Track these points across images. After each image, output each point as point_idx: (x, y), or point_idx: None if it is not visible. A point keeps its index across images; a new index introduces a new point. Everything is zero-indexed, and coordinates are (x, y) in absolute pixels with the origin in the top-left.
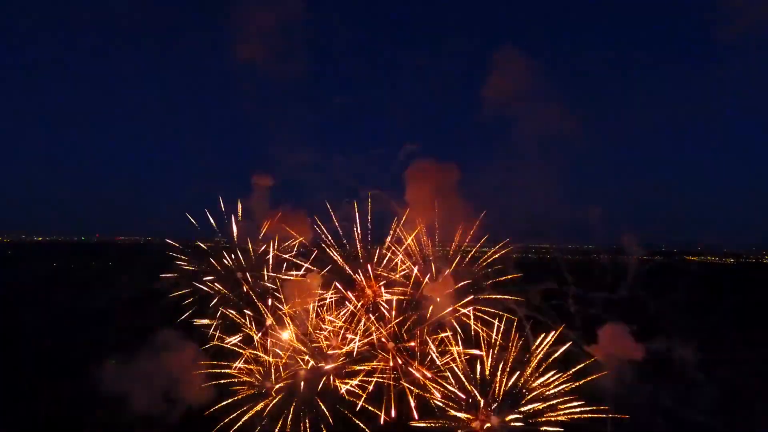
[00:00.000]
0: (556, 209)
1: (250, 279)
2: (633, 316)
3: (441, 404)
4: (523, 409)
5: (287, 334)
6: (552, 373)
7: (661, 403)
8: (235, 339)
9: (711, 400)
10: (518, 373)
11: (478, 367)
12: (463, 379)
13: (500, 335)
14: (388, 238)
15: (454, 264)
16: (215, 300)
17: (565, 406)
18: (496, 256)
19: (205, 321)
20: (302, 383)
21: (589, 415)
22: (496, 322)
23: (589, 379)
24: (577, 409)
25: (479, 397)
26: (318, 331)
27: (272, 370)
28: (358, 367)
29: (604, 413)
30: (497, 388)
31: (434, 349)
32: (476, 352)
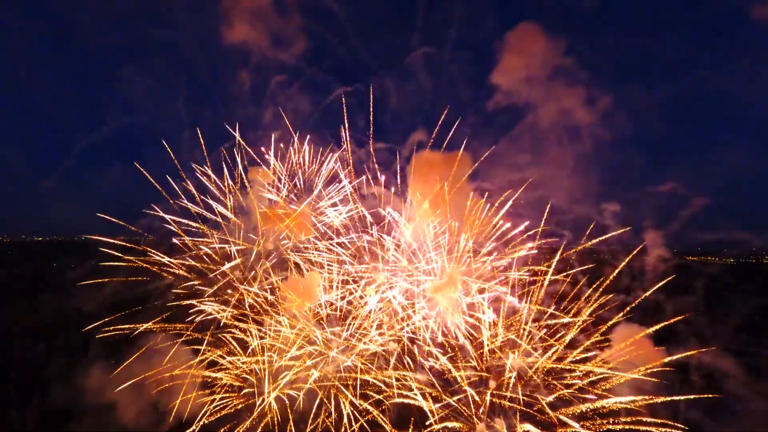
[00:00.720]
0: (568, 206)
1: (245, 272)
2: (650, 319)
3: (439, 412)
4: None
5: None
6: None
7: (684, 414)
8: (223, 351)
9: (745, 411)
10: (525, 379)
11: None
12: (465, 386)
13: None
14: (391, 236)
15: (460, 263)
16: (208, 302)
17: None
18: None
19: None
20: (302, 393)
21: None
22: (501, 325)
23: (602, 390)
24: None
25: (485, 405)
26: (319, 334)
27: (270, 378)
28: (364, 376)
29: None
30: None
31: (439, 354)
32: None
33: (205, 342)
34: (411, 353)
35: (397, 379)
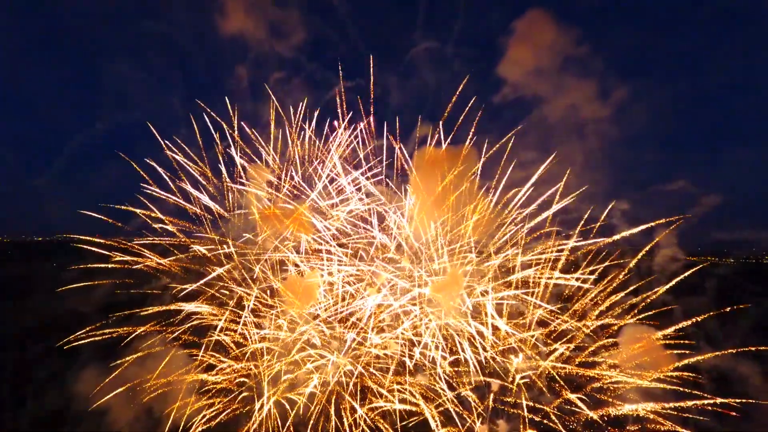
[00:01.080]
0: (575, 204)
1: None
2: (659, 321)
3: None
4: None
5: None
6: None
7: (694, 419)
8: (221, 355)
9: (758, 416)
10: (529, 382)
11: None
12: (467, 390)
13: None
14: (392, 236)
15: (464, 262)
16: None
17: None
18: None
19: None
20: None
21: None
22: (503, 325)
23: (610, 396)
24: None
25: (485, 412)
26: (319, 337)
27: (269, 382)
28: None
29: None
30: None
31: (440, 358)
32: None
33: (203, 347)
34: (412, 356)
35: (399, 383)
